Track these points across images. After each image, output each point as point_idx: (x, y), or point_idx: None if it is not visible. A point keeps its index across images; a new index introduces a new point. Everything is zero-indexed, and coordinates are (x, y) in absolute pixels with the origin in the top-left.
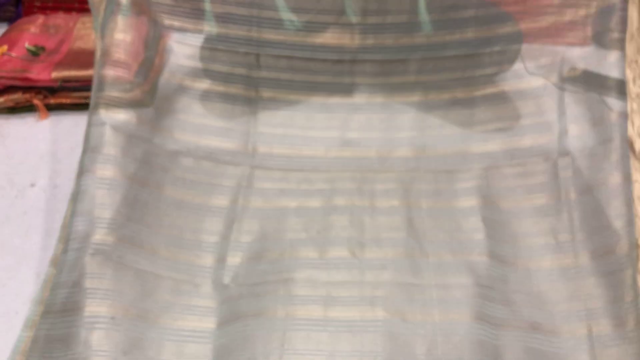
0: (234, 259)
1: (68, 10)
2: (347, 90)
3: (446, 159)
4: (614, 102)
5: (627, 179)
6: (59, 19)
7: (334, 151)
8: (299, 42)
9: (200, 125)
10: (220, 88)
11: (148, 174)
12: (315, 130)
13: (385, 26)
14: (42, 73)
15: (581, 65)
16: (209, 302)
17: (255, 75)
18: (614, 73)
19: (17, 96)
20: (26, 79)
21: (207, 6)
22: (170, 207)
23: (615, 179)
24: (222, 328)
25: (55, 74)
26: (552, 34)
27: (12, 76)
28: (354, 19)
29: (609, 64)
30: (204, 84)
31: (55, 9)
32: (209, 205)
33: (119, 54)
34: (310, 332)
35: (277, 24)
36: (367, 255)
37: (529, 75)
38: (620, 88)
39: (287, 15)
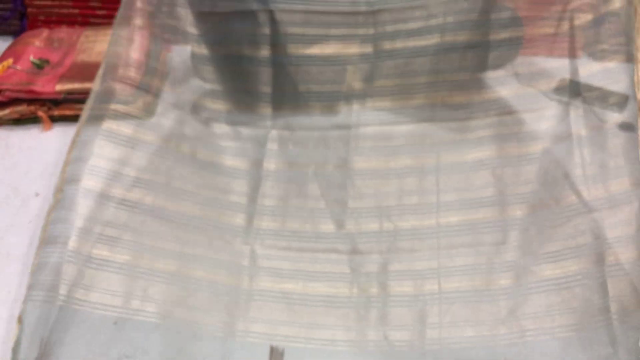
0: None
1: (71, 24)
2: (364, 40)
3: (462, 106)
4: (602, 112)
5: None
6: (62, 32)
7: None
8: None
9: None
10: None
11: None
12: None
13: None
14: (47, 85)
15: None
16: (240, 259)
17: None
18: (605, 84)
19: (22, 108)
20: (31, 92)
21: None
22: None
23: (622, 117)
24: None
25: (59, 87)
26: (545, 45)
27: (18, 89)
28: None
29: (599, 75)
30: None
31: (59, 22)
32: (237, 168)
33: (123, 66)
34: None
35: None
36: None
37: None
38: (613, 99)
39: None
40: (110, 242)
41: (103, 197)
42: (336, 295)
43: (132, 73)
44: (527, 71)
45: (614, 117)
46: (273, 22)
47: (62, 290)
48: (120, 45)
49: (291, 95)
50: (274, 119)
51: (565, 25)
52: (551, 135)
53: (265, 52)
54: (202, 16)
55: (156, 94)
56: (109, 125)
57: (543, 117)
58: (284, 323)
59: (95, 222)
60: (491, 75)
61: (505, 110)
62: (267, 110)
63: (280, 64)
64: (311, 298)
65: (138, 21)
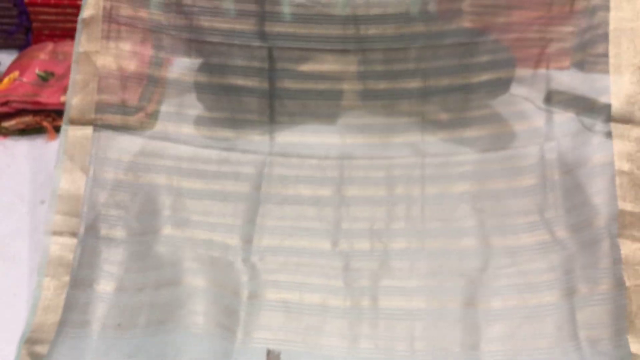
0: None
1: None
2: (353, 79)
3: (446, 143)
4: (590, 119)
5: (608, 160)
6: (67, 46)
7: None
8: (307, 34)
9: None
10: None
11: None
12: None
13: (386, 17)
14: (52, 97)
15: (562, 88)
16: (241, 275)
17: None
18: (593, 95)
19: (28, 119)
20: (36, 103)
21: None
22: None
23: (597, 159)
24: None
25: (64, 98)
26: (536, 59)
27: (24, 100)
28: (358, 11)
29: (588, 86)
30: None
31: (63, 36)
32: (236, 192)
33: (123, 90)
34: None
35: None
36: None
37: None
38: (599, 109)
39: (288, 9)
40: (118, 277)
41: (108, 239)
42: (331, 306)
43: (131, 98)
44: (509, 110)
45: (600, 127)
46: (271, 58)
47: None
48: (119, 58)
49: (288, 125)
50: (270, 146)
51: (542, 69)
52: (528, 174)
53: (263, 84)
54: (199, 44)
55: (156, 117)
56: (110, 154)
57: (522, 154)
58: (281, 328)
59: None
60: (475, 114)
61: (486, 147)
62: (264, 138)
63: (277, 96)
64: (307, 307)
65: (132, 45)
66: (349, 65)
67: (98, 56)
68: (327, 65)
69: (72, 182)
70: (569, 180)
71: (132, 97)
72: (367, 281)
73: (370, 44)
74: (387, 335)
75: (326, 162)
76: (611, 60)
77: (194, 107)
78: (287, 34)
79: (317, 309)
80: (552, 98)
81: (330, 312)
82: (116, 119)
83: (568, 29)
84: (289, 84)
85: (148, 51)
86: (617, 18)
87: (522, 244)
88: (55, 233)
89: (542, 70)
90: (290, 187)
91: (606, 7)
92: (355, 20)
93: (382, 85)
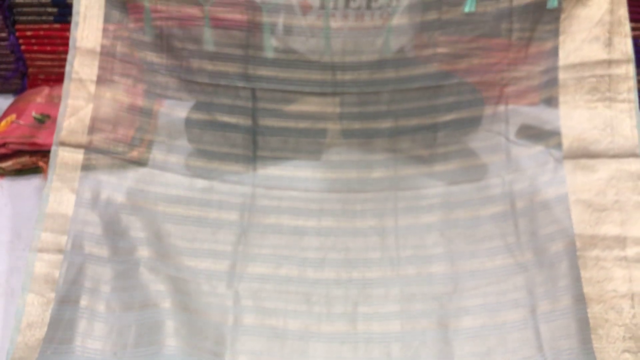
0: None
1: None
2: (331, 118)
3: (415, 178)
4: (551, 151)
5: (565, 190)
6: (62, 89)
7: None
8: (288, 78)
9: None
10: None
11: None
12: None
13: (360, 64)
14: (48, 138)
15: (526, 121)
16: (225, 300)
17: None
18: (549, 125)
19: (24, 159)
20: (33, 144)
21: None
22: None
23: (556, 189)
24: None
25: None
26: (497, 98)
27: (21, 141)
28: (334, 58)
29: (546, 118)
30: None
31: (58, 81)
32: (221, 220)
33: (115, 119)
34: (305, 343)
35: (267, 61)
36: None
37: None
38: (554, 138)
39: (270, 54)
40: (104, 296)
41: (94, 257)
42: (313, 331)
43: (124, 128)
44: (477, 145)
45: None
46: (254, 97)
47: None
48: (114, 90)
49: (270, 159)
50: (254, 178)
51: (502, 108)
52: (492, 203)
53: (246, 122)
54: (188, 83)
55: (148, 148)
56: (100, 177)
57: (487, 186)
58: (265, 353)
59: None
60: (443, 150)
61: (454, 180)
62: (247, 170)
63: (260, 132)
64: (291, 332)
65: (126, 79)
66: (329, 106)
67: (93, 85)
68: (307, 106)
69: (61, 202)
70: (530, 209)
71: (125, 131)
72: (347, 307)
73: (346, 88)
74: (366, 356)
75: (306, 195)
76: (560, 99)
77: (183, 139)
78: (269, 77)
79: (300, 334)
80: (522, 132)
81: (313, 337)
82: (109, 145)
83: (526, 70)
84: (271, 122)
85: (142, 87)
86: (565, 62)
87: (488, 268)
88: (42, 250)
89: (502, 108)
90: (272, 217)
91: (556, 52)
92: (332, 66)
93: (357, 125)
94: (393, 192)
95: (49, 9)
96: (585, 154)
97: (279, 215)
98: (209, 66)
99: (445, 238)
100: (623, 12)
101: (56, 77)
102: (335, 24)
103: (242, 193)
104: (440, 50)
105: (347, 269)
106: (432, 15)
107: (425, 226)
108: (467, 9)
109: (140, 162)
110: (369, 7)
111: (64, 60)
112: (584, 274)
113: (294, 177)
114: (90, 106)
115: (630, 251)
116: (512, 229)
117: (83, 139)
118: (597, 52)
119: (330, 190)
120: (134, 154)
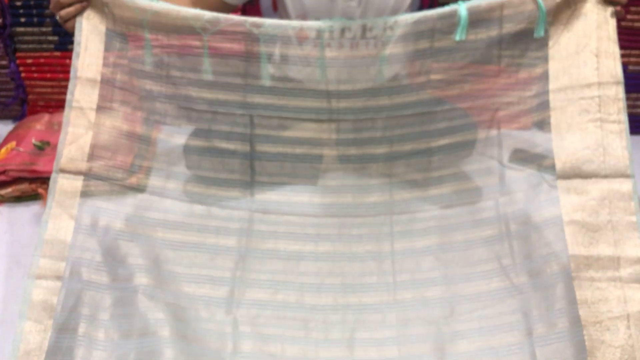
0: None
1: None
2: (327, 144)
3: (411, 202)
4: (544, 174)
5: (559, 212)
6: (62, 116)
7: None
8: (284, 105)
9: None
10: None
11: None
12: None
13: (355, 92)
14: (48, 165)
15: (519, 145)
16: (224, 327)
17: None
18: (541, 149)
19: (24, 186)
20: (33, 171)
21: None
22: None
23: (549, 211)
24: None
25: None
26: (489, 122)
27: (21, 169)
28: (330, 86)
29: (539, 141)
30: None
31: (58, 107)
32: (219, 246)
33: (114, 146)
34: None
35: (265, 89)
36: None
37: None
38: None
39: (268, 82)
40: (103, 323)
41: (93, 284)
42: (311, 358)
43: (123, 155)
44: (471, 168)
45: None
46: (252, 124)
47: None
48: (114, 118)
49: (268, 184)
50: (251, 203)
51: (494, 132)
52: (486, 226)
53: (244, 147)
54: (187, 111)
55: (146, 174)
56: (99, 203)
57: (481, 209)
58: None
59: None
60: (437, 174)
61: (449, 203)
62: (246, 195)
63: (257, 158)
64: (289, 359)
65: (125, 107)
66: (325, 133)
67: (93, 113)
68: (304, 132)
69: (60, 228)
70: (524, 231)
71: (124, 158)
72: (344, 333)
73: (341, 115)
74: None
75: (303, 220)
76: (552, 121)
77: (181, 166)
78: (266, 104)
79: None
80: (515, 156)
81: None
82: (108, 171)
83: (517, 95)
84: (268, 148)
85: (140, 114)
86: (555, 86)
87: (483, 291)
88: (40, 277)
89: (495, 132)
90: (269, 242)
91: (546, 76)
92: (327, 94)
93: (353, 150)
94: (389, 216)
95: (50, 37)
96: (578, 174)
97: (277, 240)
98: (207, 94)
99: (441, 262)
100: (611, 35)
101: (56, 104)
102: (330, 53)
103: (239, 218)
104: (433, 77)
105: (344, 294)
106: (424, 44)
107: (421, 250)
108: (457, 37)
109: (138, 189)
110: (363, 36)
111: (64, 87)
112: (579, 296)
113: (291, 201)
114: (90, 134)
115: (624, 271)
116: (507, 251)
117: (82, 166)
118: (586, 75)
119: (327, 214)
120: (133, 180)
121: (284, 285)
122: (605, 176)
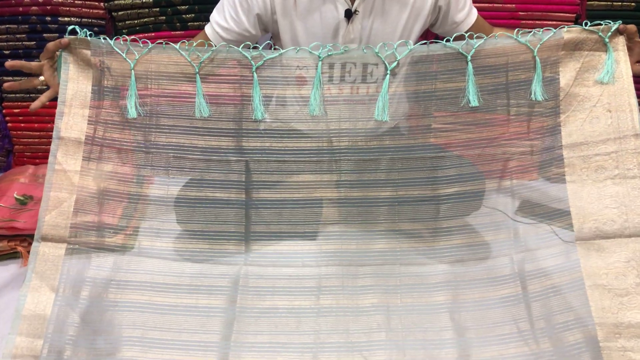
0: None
1: None
2: (328, 187)
3: (419, 252)
4: (560, 231)
5: (576, 278)
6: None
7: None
8: (282, 148)
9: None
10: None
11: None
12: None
13: (357, 131)
14: (29, 222)
15: (531, 198)
16: None
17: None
18: (562, 206)
19: (2, 244)
20: (12, 228)
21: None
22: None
23: (569, 273)
24: None
25: None
26: (501, 173)
27: (0, 226)
28: (330, 125)
29: (554, 195)
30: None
31: (45, 158)
32: (211, 307)
33: (100, 207)
34: None
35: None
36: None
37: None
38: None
39: (264, 125)
40: None
41: None
42: None
43: (108, 215)
44: (480, 221)
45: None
46: (248, 170)
47: None
48: (100, 179)
49: (263, 234)
50: (246, 256)
51: (507, 182)
52: (501, 285)
53: (239, 195)
54: (179, 160)
55: (133, 233)
56: (83, 271)
57: (494, 266)
58: None
59: None
60: (446, 225)
61: (458, 258)
62: (240, 247)
63: (253, 206)
64: None
65: (112, 163)
66: (325, 174)
67: (77, 176)
68: (303, 175)
69: (39, 302)
70: (543, 294)
71: (111, 217)
72: None
73: (343, 155)
74: None
75: (303, 271)
76: (567, 178)
77: (172, 222)
78: (263, 148)
79: None
80: (524, 209)
81: None
82: (92, 238)
83: (528, 145)
84: (265, 194)
85: (129, 170)
86: (569, 141)
87: (501, 356)
88: (16, 357)
89: (507, 183)
90: (266, 299)
91: (559, 129)
92: (328, 133)
93: (355, 193)
94: (396, 266)
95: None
96: (599, 235)
97: (274, 296)
98: (200, 142)
99: (455, 322)
100: (627, 86)
101: (42, 154)
102: (330, 91)
103: (234, 274)
104: (435, 125)
105: (349, 354)
106: (427, 85)
107: (432, 307)
108: (472, 104)
109: (125, 248)
110: (364, 80)
111: (51, 138)
112: None
113: (289, 251)
114: (74, 197)
115: None
116: (524, 314)
117: (65, 232)
118: (599, 131)
119: (329, 264)
120: (119, 239)
121: (283, 348)
122: (629, 235)
